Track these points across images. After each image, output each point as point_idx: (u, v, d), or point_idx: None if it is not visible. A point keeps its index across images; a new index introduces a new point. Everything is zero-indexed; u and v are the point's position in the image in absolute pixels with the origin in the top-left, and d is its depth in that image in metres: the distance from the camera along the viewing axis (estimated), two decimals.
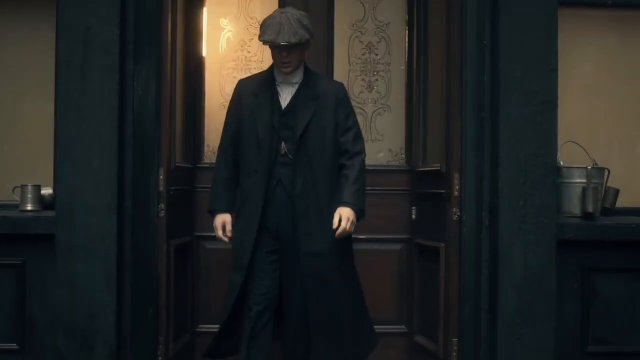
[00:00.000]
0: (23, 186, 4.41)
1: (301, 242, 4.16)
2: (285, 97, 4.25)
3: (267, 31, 4.11)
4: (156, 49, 4.42)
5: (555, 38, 4.35)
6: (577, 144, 4.57)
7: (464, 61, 4.48)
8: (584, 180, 4.47)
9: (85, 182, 4.22)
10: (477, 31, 4.46)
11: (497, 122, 4.34)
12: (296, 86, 4.25)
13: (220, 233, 4.26)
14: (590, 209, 4.42)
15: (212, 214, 4.30)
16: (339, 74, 5.18)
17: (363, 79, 5.26)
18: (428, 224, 4.82)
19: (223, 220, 4.28)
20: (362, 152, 4.26)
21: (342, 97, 4.29)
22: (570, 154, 4.57)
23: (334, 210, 4.11)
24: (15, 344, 4.33)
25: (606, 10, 4.76)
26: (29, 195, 4.40)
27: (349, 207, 4.11)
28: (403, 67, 5.24)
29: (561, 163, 4.49)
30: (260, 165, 4.19)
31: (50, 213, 4.30)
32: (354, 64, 5.26)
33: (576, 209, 4.48)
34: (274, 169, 4.21)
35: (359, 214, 4.16)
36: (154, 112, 4.42)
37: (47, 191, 4.45)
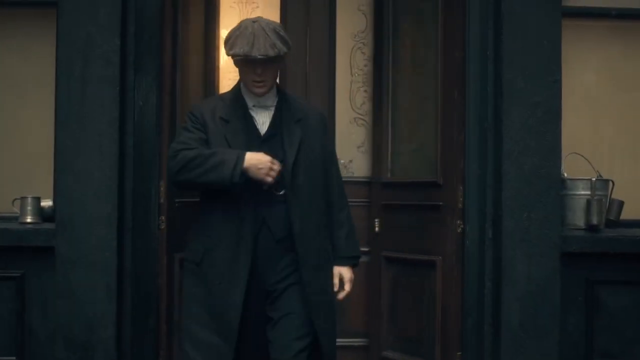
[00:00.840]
0: (23, 198, 4.38)
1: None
2: (263, 121, 3.63)
3: (237, 43, 3.48)
4: (157, 59, 4.38)
5: (559, 48, 4.32)
6: (581, 155, 4.54)
7: (467, 71, 4.43)
8: (588, 192, 4.43)
9: (86, 194, 4.19)
10: (480, 41, 4.42)
11: (500, 133, 4.30)
12: (272, 109, 3.65)
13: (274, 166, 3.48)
14: (594, 221, 4.39)
15: (238, 166, 3.45)
16: (341, 85, 5.15)
17: (365, 91, 5.21)
18: (410, 237, 4.75)
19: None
20: (347, 203, 3.83)
21: (325, 127, 3.81)
22: (574, 165, 4.54)
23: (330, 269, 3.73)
24: (14, 357, 4.29)
25: (609, 21, 4.73)
26: (29, 208, 4.37)
27: (348, 265, 3.75)
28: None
29: (565, 175, 4.45)
30: (242, 204, 3.50)
31: (50, 225, 4.28)
32: (356, 75, 5.21)
33: (580, 221, 4.45)
34: (256, 208, 3.54)
35: (356, 261, 3.82)
36: (155, 123, 4.37)
37: (47, 203, 4.42)
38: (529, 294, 4.26)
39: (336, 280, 3.73)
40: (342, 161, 5.18)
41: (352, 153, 5.38)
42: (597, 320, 4.42)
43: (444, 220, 4.54)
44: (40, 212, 4.39)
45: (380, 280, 5.01)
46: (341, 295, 3.75)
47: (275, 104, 3.68)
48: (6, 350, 4.29)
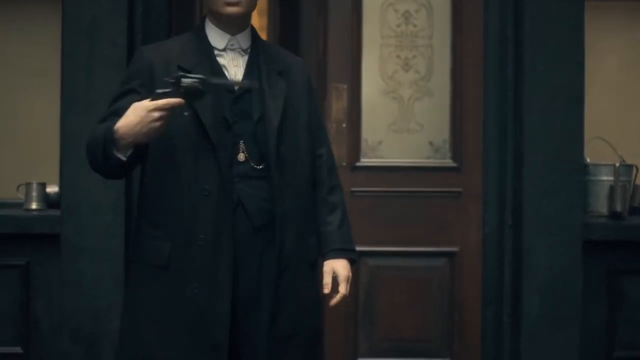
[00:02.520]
0: (28, 184, 4.30)
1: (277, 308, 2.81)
2: (235, 71, 2.83)
3: None
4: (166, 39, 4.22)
5: (582, 30, 4.22)
6: (604, 140, 4.44)
7: (486, 53, 4.36)
8: (611, 178, 4.33)
9: (92, 180, 3.91)
10: (499, 22, 4.35)
11: (521, 118, 4.21)
12: (246, 54, 2.85)
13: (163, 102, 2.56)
14: (618, 208, 4.28)
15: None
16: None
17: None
18: (422, 226, 4.58)
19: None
20: (339, 184, 3.05)
21: (309, 80, 3.00)
22: (597, 150, 4.45)
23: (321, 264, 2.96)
24: (19, 348, 4.22)
25: (635, 1, 4.64)
26: (34, 194, 4.29)
27: (343, 257, 2.94)
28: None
29: (588, 160, 4.36)
30: (212, 182, 2.72)
31: (55, 212, 4.19)
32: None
33: (603, 208, 4.34)
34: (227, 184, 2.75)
35: (354, 256, 3.00)
36: None
37: (52, 189, 4.35)
38: (550, 283, 4.17)
39: (328, 279, 2.89)
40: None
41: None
42: (620, 311, 4.32)
43: (458, 208, 4.46)
44: (45, 198, 4.31)
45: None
46: (334, 301, 2.90)
47: (248, 47, 2.85)
48: (11, 340, 4.22)
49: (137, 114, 2.57)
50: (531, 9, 4.20)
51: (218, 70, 2.79)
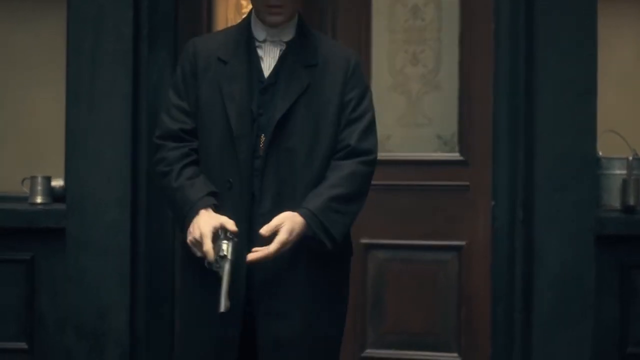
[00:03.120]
0: (32, 178, 4.28)
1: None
2: (270, 63, 2.86)
3: None
4: (173, 32, 4.27)
5: (594, 22, 4.16)
6: (617, 133, 4.38)
7: (496, 46, 4.31)
8: (624, 172, 4.27)
9: (97, 174, 4.09)
10: (509, 15, 4.29)
11: (532, 110, 4.15)
12: (284, 47, 2.87)
13: (207, 244, 2.67)
14: (631, 202, 4.23)
15: (185, 219, 2.78)
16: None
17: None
18: (431, 220, 4.55)
19: (211, 222, 2.71)
20: (370, 151, 2.84)
21: (353, 70, 2.88)
22: (610, 144, 4.38)
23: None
24: (24, 343, 4.20)
25: None
26: (39, 187, 4.26)
27: (302, 217, 2.71)
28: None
29: (600, 153, 4.31)
30: (234, 174, 2.77)
31: (60, 206, 4.17)
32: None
33: (616, 202, 4.29)
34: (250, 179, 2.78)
35: (321, 236, 2.73)
36: None
37: (58, 183, 4.31)
38: (561, 279, 4.12)
39: (271, 225, 2.67)
40: None
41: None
42: (633, 307, 4.26)
43: (472, 202, 4.42)
44: (50, 192, 4.28)
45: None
46: (253, 256, 2.68)
47: (289, 39, 2.87)
48: (16, 336, 4.20)
49: (193, 233, 2.71)
50: (542, 0, 4.14)
51: (254, 61, 2.83)
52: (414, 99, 4.58)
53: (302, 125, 2.79)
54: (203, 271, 2.70)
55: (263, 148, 2.77)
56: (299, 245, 2.72)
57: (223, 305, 2.56)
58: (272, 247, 2.66)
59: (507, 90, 4.30)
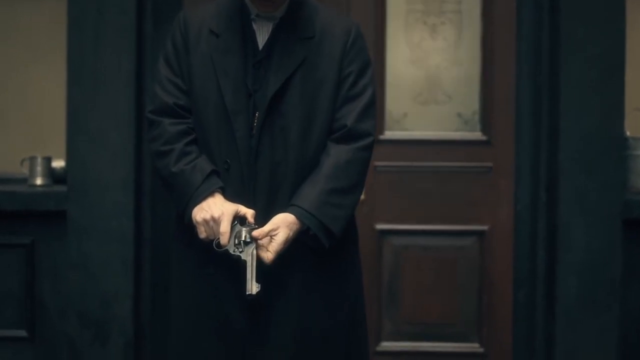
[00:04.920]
0: (32, 158, 4.20)
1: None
2: (264, 37, 2.71)
3: None
4: (178, 6, 4.18)
5: None
6: None
7: (520, 19, 4.23)
8: None
9: (100, 155, 4.01)
10: None
11: (557, 88, 4.06)
12: (279, 19, 2.72)
13: (226, 225, 2.57)
14: None
15: (189, 207, 2.65)
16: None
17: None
18: (450, 203, 4.43)
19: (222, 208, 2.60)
20: (368, 134, 2.70)
21: (353, 41, 2.72)
22: (638, 123, 4.29)
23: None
24: (24, 331, 4.14)
25: None
26: (39, 168, 4.18)
27: (299, 219, 2.60)
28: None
29: (628, 133, 4.19)
30: (232, 154, 2.65)
31: (61, 188, 4.10)
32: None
33: None
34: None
35: (321, 236, 2.61)
36: None
37: (58, 164, 4.25)
38: (587, 264, 4.04)
39: (266, 228, 2.57)
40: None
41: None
42: None
43: (494, 185, 4.32)
44: (51, 173, 4.22)
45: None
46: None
47: (283, 14, 2.72)
48: (16, 323, 4.14)
49: (204, 216, 2.60)
50: None
51: (249, 35, 2.70)
52: (432, 74, 4.47)
53: (298, 102, 2.66)
54: (204, 259, 2.65)
55: (256, 126, 2.64)
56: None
57: (253, 288, 2.52)
58: (268, 257, 2.58)
59: (531, 67, 4.25)
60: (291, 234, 2.58)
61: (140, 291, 4.10)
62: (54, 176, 4.22)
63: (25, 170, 4.25)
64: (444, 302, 4.39)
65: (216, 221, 2.57)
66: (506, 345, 4.32)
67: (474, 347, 4.39)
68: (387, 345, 4.38)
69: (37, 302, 4.13)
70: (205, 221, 2.58)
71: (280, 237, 2.57)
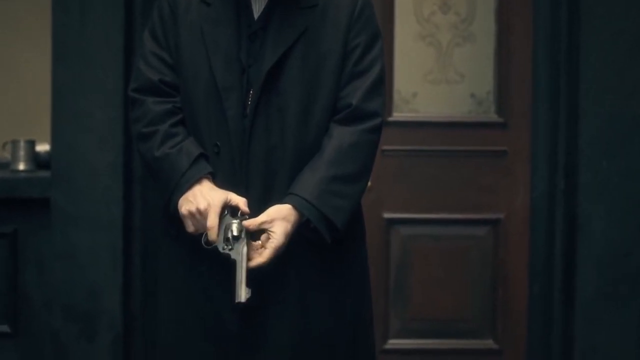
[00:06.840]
0: (14, 141, 4.13)
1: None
2: (261, 6, 2.51)
3: None
4: None
5: None
6: None
7: None
8: None
9: (87, 138, 3.93)
10: None
11: (576, 67, 4.00)
12: None
13: (213, 219, 2.37)
14: None
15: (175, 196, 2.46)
16: None
17: None
18: (462, 190, 4.37)
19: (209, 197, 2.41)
20: (376, 114, 2.51)
21: (361, 11, 2.52)
22: None
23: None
24: (6, 326, 4.07)
25: None
26: (22, 152, 4.12)
27: (298, 210, 2.39)
28: None
29: None
30: (222, 136, 2.47)
31: (45, 173, 4.03)
32: None
33: None
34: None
35: (322, 229, 2.41)
36: None
37: (42, 147, 4.18)
38: (607, 256, 3.97)
39: (259, 219, 2.37)
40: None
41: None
42: None
43: (509, 170, 4.27)
44: (34, 158, 4.16)
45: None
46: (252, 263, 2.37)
47: None
48: None
49: (191, 209, 2.40)
50: None
51: (242, 4, 2.49)
52: (444, 51, 4.38)
53: (297, 79, 2.46)
54: (194, 253, 2.46)
55: (250, 105, 2.44)
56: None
57: (243, 294, 2.30)
58: (266, 254, 2.36)
59: (549, 44, 4.19)
60: (290, 227, 2.37)
61: (129, 283, 4.03)
62: (37, 161, 4.16)
63: (7, 155, 4.18)
64: (455, 296, 4.35)
65: (202, 214, 2.38)
66: (521, 341, 4.29)
67: (487, 343, 4.36)
68: (395, 342, 4.34)
69: (21, 295, 4.07)
70: (191, 214, 2.40)
71: (278, 231, 2.36)
